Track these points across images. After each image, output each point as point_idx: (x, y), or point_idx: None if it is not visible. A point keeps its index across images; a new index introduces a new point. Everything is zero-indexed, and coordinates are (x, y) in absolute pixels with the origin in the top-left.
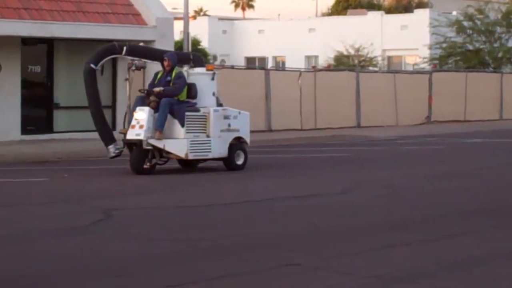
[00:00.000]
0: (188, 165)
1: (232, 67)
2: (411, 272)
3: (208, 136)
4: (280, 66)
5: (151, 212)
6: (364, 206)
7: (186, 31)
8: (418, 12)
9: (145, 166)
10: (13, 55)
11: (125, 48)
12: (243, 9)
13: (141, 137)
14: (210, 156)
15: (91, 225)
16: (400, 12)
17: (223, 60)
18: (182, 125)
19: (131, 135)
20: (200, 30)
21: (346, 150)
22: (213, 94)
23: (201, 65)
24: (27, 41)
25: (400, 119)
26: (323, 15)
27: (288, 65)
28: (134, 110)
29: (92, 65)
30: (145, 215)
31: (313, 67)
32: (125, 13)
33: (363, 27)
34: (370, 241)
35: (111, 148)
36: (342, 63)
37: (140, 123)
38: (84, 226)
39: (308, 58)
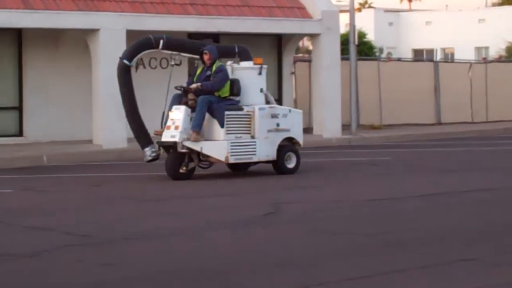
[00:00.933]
0: (237, 169)
1: (399, 59)
2: None
3: (253, 137)
4: (448, 58)
5: (318, 206)
6: None
7: (352, 24)
8: None
9: (181, 171)
10: None
11: (161, 41)
12: (409, 0)
13: (176, 139)
14: (255, 159)
15: (261, 218)
16: None
17: (389, 53)
18: (222, 125)
19: (166, 136)
20: (365, 23)
21: None
22: (261, 90)
23: (248, 58)
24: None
25: None
26: (493, 5)
27: (457, 56)
28: (170, 109)
29: (126, 61)
30: (314, 209)
31: (484, 58)
32: (290, 7)
33: None
34: None
35: (147, 151)
36: None
37: (175, 123)
38: (255, 219)
39: (478, 49)
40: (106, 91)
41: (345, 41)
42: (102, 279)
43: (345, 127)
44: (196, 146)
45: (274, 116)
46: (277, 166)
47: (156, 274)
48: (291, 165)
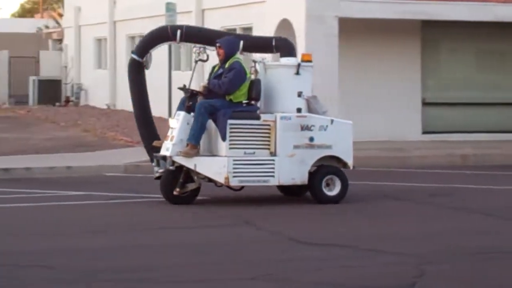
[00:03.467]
0: (291, 193)
1: None
2: None
3: (272, 154)
4: None
5: None
6: None
7: None
8: None
9: (174, 193)
10: None
11: (179, 32)
12: None
13: (169, 152)
14: (273, 182)
15: None
16: None
17: None
18: (223, 138)
19: (163, 149)
20: None
21: None
22: (299, 95)
23: (289, 53)
24: None
25: None
26: None
27: None
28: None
29: (135, 56)
30: None
31: None
32: None
33: None
34: None
35: (156, 165)
36: None
37: (172, 133)
38: None
39: None
40: None
41: None
42: None
43: None
44: (188, 163)
45: (305, 128)
46: (313, 191)
47: None
48: (332, 192)
